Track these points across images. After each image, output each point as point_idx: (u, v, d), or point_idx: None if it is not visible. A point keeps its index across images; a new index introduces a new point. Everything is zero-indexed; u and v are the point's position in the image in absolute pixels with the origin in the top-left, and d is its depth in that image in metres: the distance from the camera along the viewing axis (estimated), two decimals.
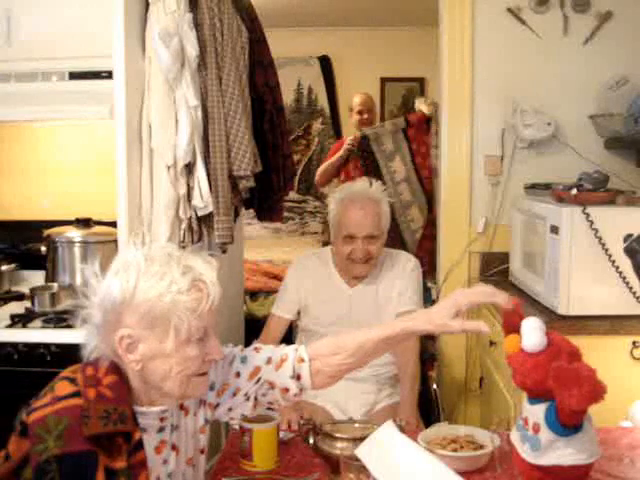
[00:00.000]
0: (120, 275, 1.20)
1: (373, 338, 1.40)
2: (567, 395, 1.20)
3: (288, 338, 2.47)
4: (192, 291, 1.21)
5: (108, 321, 1.20)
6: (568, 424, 1.25)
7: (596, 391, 1.20)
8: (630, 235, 2.07)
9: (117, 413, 1.16)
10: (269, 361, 1.40)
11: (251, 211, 2.85)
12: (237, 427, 1.61)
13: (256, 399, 1.41)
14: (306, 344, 1.47)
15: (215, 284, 1.24)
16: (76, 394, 1.17)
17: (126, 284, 1.19)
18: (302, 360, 1.41)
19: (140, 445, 1.19)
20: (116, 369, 1.22)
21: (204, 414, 1.38)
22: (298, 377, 1.40)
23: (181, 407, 1.34)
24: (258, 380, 1.39)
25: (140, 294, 1.18)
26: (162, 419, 1.27)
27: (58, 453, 1.11)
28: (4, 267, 2.71)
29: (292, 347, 1.45)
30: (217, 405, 1.39)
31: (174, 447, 1.31)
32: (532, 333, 1.30)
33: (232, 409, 1.41)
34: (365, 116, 4.26)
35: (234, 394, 1.39)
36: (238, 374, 1.39)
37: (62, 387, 1.20)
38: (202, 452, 1.40)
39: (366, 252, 2.29)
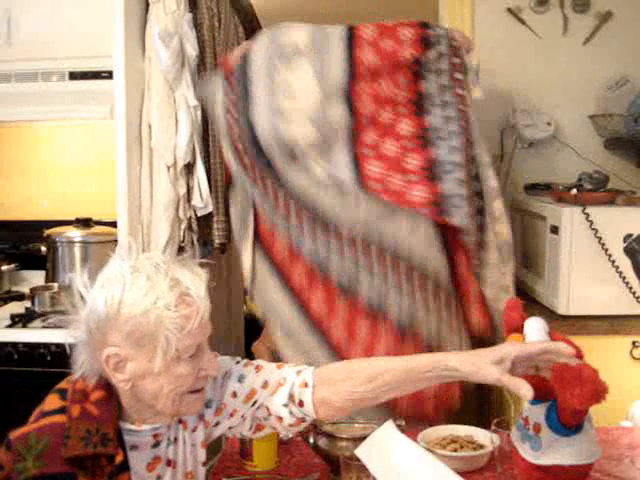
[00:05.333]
0: (105, 289, 1.14)
1: (393, 369, 1.24)
2: (569, 395, 1.20)
3: None
4: (180, 307, 1.13)
5: (94, 338, 1.15)
6: (569, 424, 1.25)
7: (598, 391, 1.20)
8: (630, 235, 2.07)
9: (99, 434, 1.11)
10: (265, 385, 1.29)
11: None
12: None
13: (258, 420, 1.32)
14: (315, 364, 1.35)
15: (203, 298, 1.16)
16: (61, 410, 1.14)
17: (110, 300, 1.12)
18: (306, 385, 1.28)
19: (124, 467, 1.14)
20: (106, 384, 1.17)
21: (203, 430, 1.30)
22: (300, 403, 1.27)
23: (180, 421, 1.27)
24: (254, 403, 1.29)
25: (125, 310, 1.11)
26: (155, 436, 1.22)
27: (36, 474, 1.07)
28: (4, 267, 2.72)
29: (294, 369, 1.32)
30: (217, 424, 1.32)
31: (170, 462, 1.25)
32: (535, 333, 1.29)
33: (232, 428, 1.34)
34: None
35: (231, 415, 1.31)
36: (235, 394, 1.30)
37: (51, 401, 1.17)
38: (203, 465, 1.32)
39: None
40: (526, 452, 1.32)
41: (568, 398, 1.20)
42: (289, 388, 1.28)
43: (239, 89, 1.94)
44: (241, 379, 1.30)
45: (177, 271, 1.16)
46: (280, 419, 1.29)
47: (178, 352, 1.13)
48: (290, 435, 1.39)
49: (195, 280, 1.17)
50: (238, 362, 1.34)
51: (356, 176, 1.91)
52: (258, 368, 1.32)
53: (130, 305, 1.12)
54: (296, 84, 1.93)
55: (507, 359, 1.15)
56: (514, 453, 1.36)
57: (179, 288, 1.14)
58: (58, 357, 2.11)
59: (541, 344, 1.21)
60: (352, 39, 1.99)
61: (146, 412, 1.20)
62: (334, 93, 1.93)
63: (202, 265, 1.22)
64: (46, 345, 2.14)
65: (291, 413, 1.28)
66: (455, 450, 1.51)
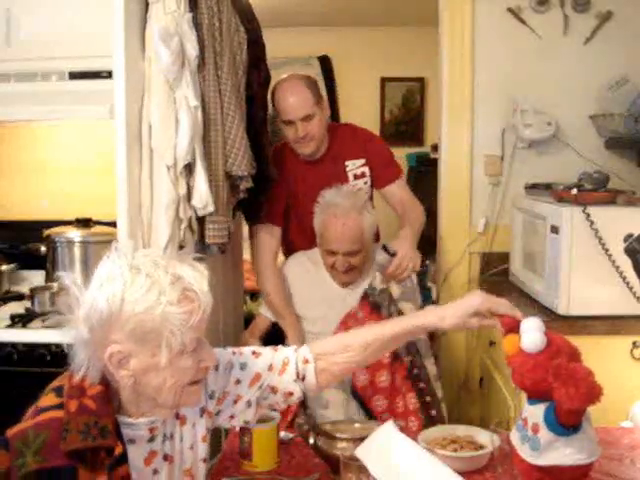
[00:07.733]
0: (105, 288, 1.14)
1: (381, 337, 1.42)
2: (564, 393, 1.20)
3: (282, 337, 2.46)
4: (183, 303, 1.14)
5: (96, 337, 1.15)
6: (567, 424, 1.25)
7: (592, 393, 1.19)
8: (630, 235, 2.06)
9: (98, 427, 1.12)
10: (271, 367, 1.38)
11: None
12: (237, 427, 1.61)
13: (258, 404, 1.39)
14: (309, 344, 1.46)
15: (206, 294, 1.18)
16: (59, 406, 1.14)
17: (112, 298, 1.12)
18: (307, 361, 1.40)
19: (123, 459, 1.15)
20: (103, 379, 1.18)
21: (205, 423, 1.33)
22: (303, 378, 1.39)
23: (177, 416, 1.29)
24: (260, 387, 1.37)
25: (128, 308, 1.12)
26: (151, 429, 1.23)
27: (36, 468, 1.08)
28: (4, 267, 2.71)
29: (291, 348, 1.43)
30: (218, 412, 1.36)
31: (166, 457, 1.26)
32: (531, 333, 1.30)
33: (234, 416, 1.38)
34: (301, 133, 2.36)
35: (235, 402, 1.36)
36: (238, 381, 1.35)
37: (47, 399, 1.17)
38: (204, 461, 1.35)
39: (347, 264, 2.29)
40: (525, 453, 1.32)
41: (564, 396, 1.20)
42: (294, 366, 1.39)
43: None
44: (243, 367, 1.37)
45: (177, 267, 1.17)
46: (290, 394, 1.40)
47: (182, 346, 1.15)
48: (282, 406, 1.48)
49: (197, 276, 1.18)
50: (234, 353, 1.39)
51: None
52: (255, 354, 1.40)
53: (132, 302, 1.12)
54: None
55: (481, 312, 1.40)
56: (514, 453, 1.36)
57: (181, 284, 1.15)
58: (58, 357, 2.10)
59: (505, 305, 1.40)
60: None
61: (145, 405, 1.21)
62: None
63: (199, 260, 1.24)
64: (46, 345, 2.14)
65: (299, 387, 1.39)
66: (455, 450, 1.51)
